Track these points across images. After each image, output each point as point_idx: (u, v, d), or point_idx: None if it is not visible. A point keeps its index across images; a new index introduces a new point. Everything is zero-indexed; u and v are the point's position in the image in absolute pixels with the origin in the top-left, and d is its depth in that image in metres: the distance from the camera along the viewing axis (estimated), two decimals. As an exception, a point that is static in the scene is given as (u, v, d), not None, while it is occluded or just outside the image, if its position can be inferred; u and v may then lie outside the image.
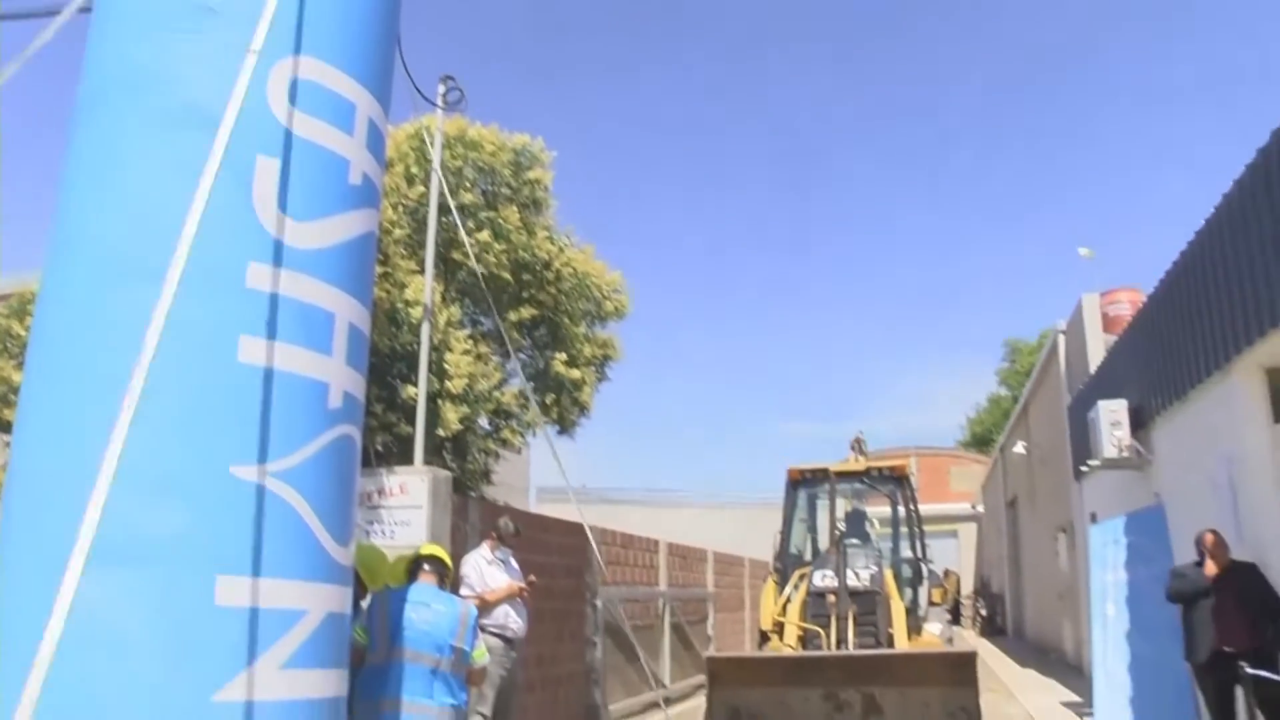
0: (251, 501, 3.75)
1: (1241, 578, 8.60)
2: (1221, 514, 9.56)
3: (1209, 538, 8.80)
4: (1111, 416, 12.64)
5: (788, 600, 12.05)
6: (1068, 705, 13.37)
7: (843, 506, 13.76)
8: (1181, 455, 11.32)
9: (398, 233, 9.27)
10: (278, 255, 3.94)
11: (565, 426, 12.05)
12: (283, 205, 3.97)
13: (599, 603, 11.83)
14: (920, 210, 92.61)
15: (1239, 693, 8.08)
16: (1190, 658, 8.93)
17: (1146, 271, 42.36)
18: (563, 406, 11.78)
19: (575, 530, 10.74)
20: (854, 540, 12.74)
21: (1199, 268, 9.90)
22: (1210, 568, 8.72)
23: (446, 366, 9.49)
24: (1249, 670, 7.62)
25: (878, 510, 15.19)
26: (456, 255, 10.47)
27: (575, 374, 11.65)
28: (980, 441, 49.36)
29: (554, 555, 10.85)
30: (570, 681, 11.23)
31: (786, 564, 13.11)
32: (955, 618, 29.01)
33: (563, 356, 11.57)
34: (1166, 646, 10.28)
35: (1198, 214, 9.34)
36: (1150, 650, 11.19)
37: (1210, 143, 63.87)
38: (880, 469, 14.01)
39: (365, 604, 5.49)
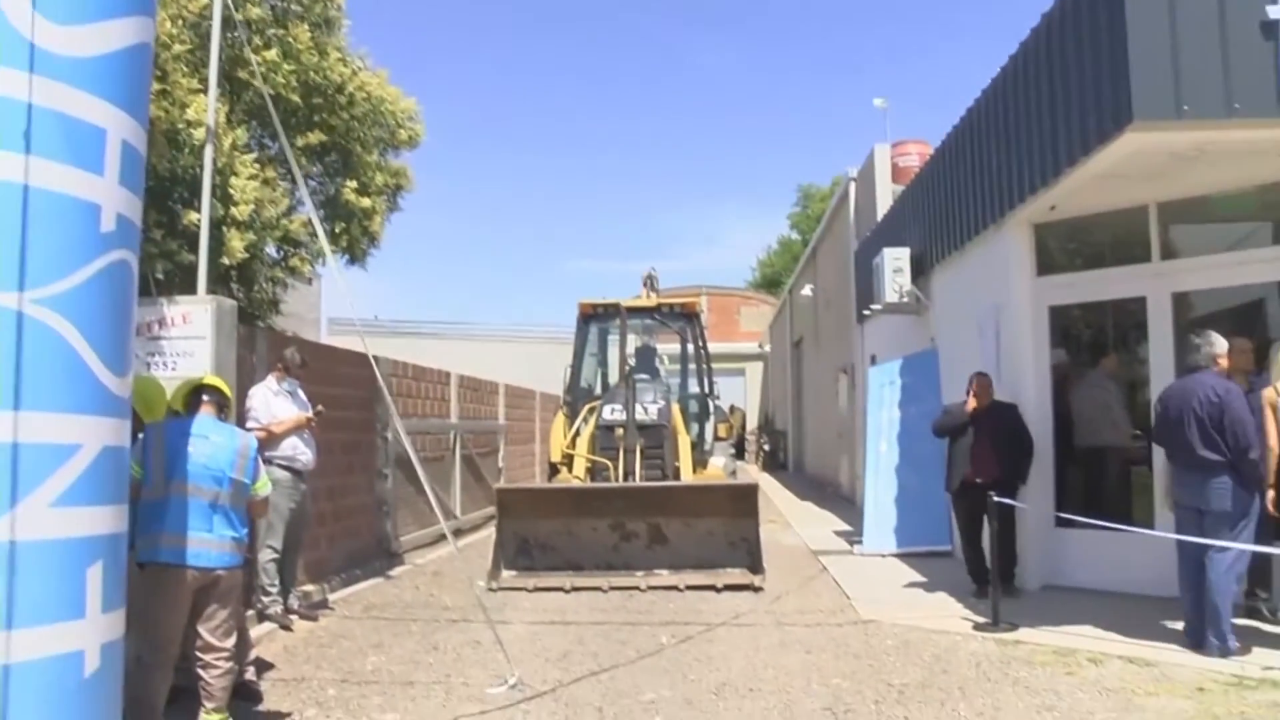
0: (10, 330, 3.55)
1: (1000, 416, 9.29)
2: (986, 358, 10.23)
3: (979, 380, 9.41)
4: (895, 263, 13.14)
5: (577, 433, 12.30)
6: (840, 534, 14.20)
7: (633, 342, 13.96)
8: (955, 302, 11.96)
9: (177, 48, 8.65)
10: (33, 60, 3.63)
11: (355, 256, 11.75)
12: (36, 4, 3.64)
13: (389, 434, 11.80)
14: (723, 52, 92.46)
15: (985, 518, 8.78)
16: (947, 486, 9.61)
17: (937, 126, 43.78)
18: (353, 236, 11.45)
19: (365, 362, 10.60)
20: (643, 375, 13.01)
21: (981, 126, 10.31)
22: (970, 404, 9.35)
23: (231, 192, 9.05)
24: (995, 498, 8.28)
25: (668, 347, 15.52)
26: (242, 74, 9.91)
27: (366, 203, 11.32)
28: (770, 283, 50.70)
29: (344, 387, 10.72)
30: (361, 513, 11.27)
31: (576, 398, 13.33)
32: (739, 453, 30.11)
33: (353, 184, 11.20)
34: (931, 478, 11.04)
35: (990, 74, 9.66)
36: (916, 482, 12.01)
37: (1010, 7, 65.50)
38: (671, 306, 14.25)
39: (141, 437, 5.32)
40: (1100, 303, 9.88)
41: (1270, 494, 7.16)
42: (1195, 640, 7.02)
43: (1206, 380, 7.08)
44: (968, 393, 9.49)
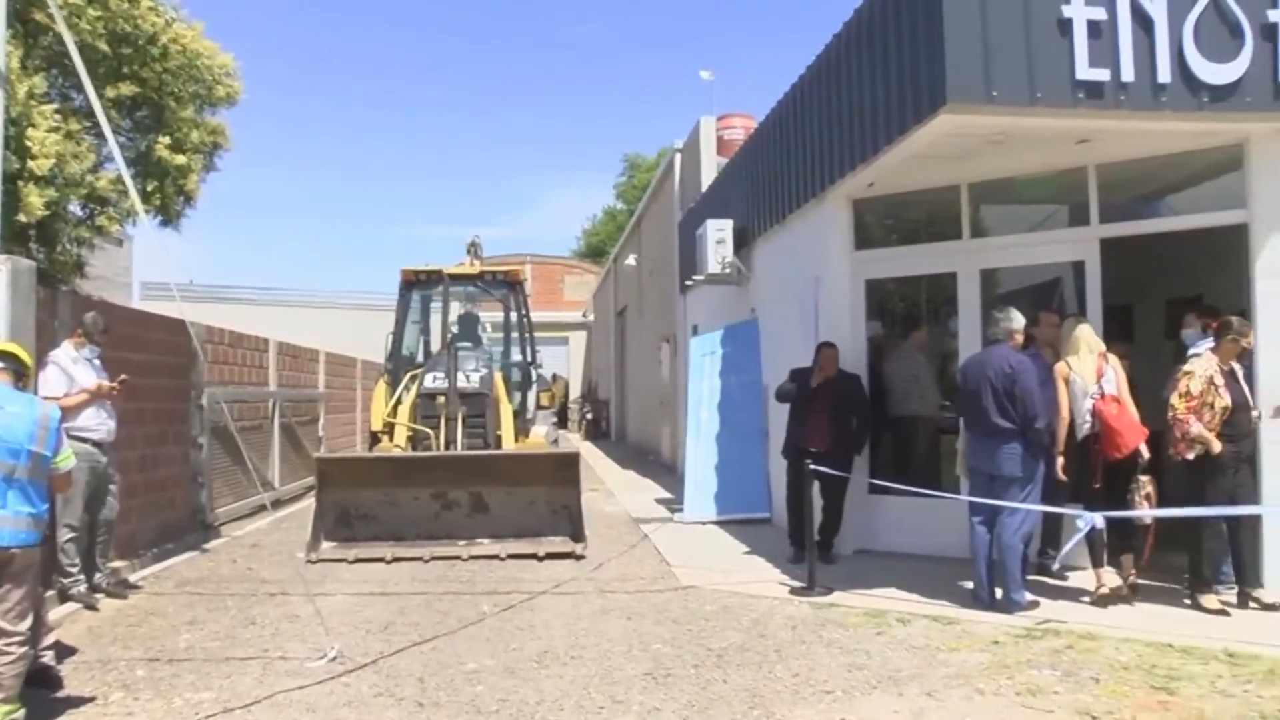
0: None
1: (841, 388, 9.55)
2: (805, 329, 10.51)
3: (826, 351, 9.63)
4: (717, 235, 13.33)
5: (398, 402, 12.13)
6: (661, 502, 14.42)
7: (456, 310, 13.84)
8: (776, 274, 12.23)
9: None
10: None
11: (169, 217, 11.27)
12: None
13: (205, 403, 11.40)
14: (558, 19, 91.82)
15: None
16: (784, 452, 9.82)
17: (763, 100, 44.58)
18: (166, 195, 10.97)
19: (180, 327, 10.21)
20: (466, 343, 12.91)
21: (805, 103, 10.56)
22: (817, 378, 9.58)
23: (29, 144, 8.55)
24: (812, 467, 8.55)
25: (491, 315, 15.42)
26: (40, 16, 9.34)
27: (180, 160, 10.85)
28: (595, 252, 50.74)
29: (156, 353, 10.29)
30: (174, 485, 10.85)
31: (398, 365, 13.13)
32: (562, 421, 30.28)
33: (167, 141, 10.72)
34: (750, 447, 11.32)
35: (815, 52, 9.90)
36: (736, 450, 12.27)
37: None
38: (495, 274, 14.16)
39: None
40: (914, 277, 10.32)
41: (1060, 460, 7.65)
42: (990, 597, 7.44)
43: (1002, 353, 7.53)
44: (815, 363, 9.66)
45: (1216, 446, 7.23)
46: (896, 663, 6.16)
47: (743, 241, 13.30)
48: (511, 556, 9.73)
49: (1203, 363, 7.39)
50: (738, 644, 6.67)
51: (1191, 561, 7.54)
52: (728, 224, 13.40)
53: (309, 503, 11.26)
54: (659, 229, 22.21)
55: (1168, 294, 10.39)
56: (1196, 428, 7.23)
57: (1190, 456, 7.32)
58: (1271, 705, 5.30)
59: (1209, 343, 7.78)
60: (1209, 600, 7.32)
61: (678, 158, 20.10)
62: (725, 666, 6.17)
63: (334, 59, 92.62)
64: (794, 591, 8.14)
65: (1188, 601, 7.47)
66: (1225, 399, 7.26)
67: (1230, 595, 7.49)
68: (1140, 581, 7.69)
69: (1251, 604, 7.37)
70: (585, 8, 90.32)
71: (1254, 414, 7.51)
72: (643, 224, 25.80)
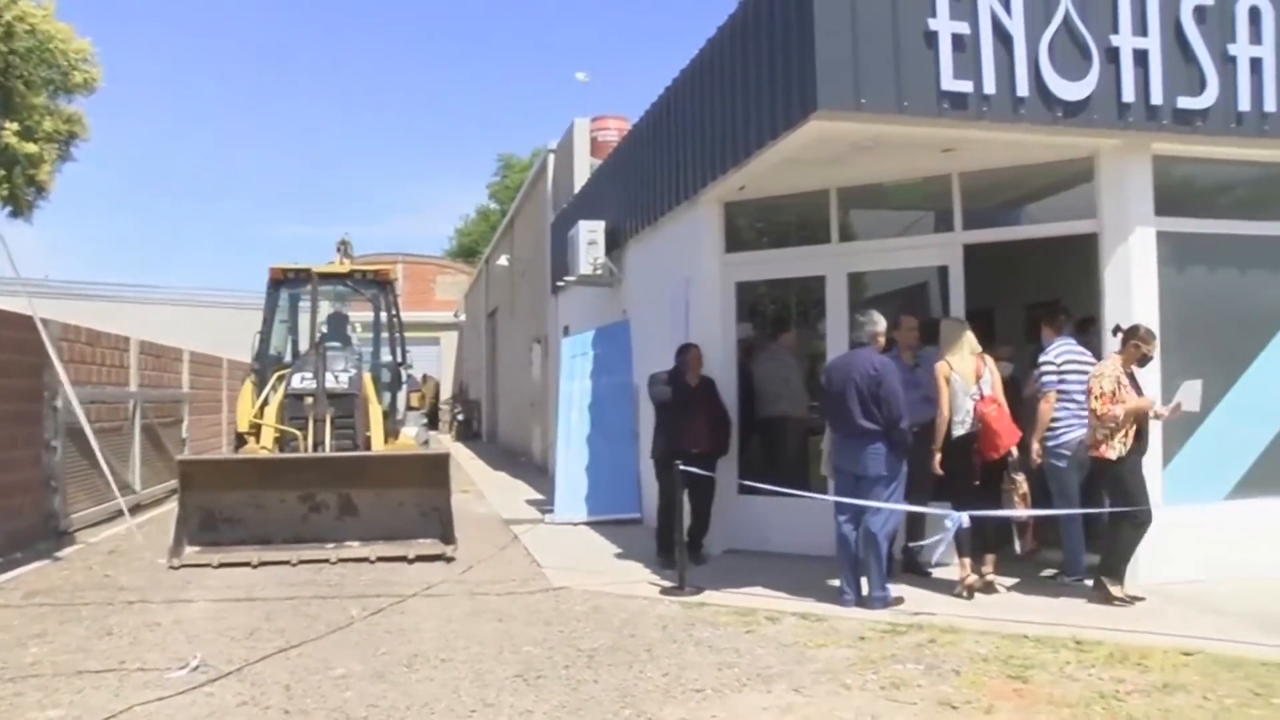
0: None
1: (710, 390, 9.66)
2: (676, 331, 10.59)
3: (695, 352, 9.70)
4: (590, 236, 13.37)
5: (265, 402, 11.87)
6: (532, 503, 14.37)
7: (325, 309, 13.62)
8: (648, 276, 12.31)
9: None
10: None
11: (19, 208, 10.82)
12: None
13: (59, 404, 10.95)
14: (434, 16, 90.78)
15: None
16: (653, 454, 9.84)
17: (637, 102, 44.92)
18: (15, 185, 10.50)
19: (31, 325, 9.79)
20: (335, 343, 12.69)
21: (678, 106, 10.64)
22: (693, 378, 9.65)
23: None
24: (683, 468, 8.62)
25: (361, 315, 15.20)
26: None
27: (32, 149, 10.40)
28: (467, 252, 50.40)
29: (6, 353, 9.85)
30: (24, 490, 10.37)
31: (265, 365, 12.85)
32: (433, 422, 29.98)
33: (15, 127, 10.25)
34: (621, 448, 11.36)
35: (689, 56, 10.00)
36: (607, 451, 12.30)
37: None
38: (365, 273, 14.00)
39: None
40: (784, 280, 10.49)
41: (937, 456, 7.88)
42: (856, 594, 7.61)
43: (866, 356, 7.70)
44: (683, 365, 9.70)
45: (1147, 403, 7.56)
46: (766, 660, 6.24)
47: (615, 243, 13.34)
48: (381, 559, 9.57)
49: (1110, 365, 7.65)
50: (609, 644, 6.68)
51: (1104, 555, 7.73)
52: (600, 225, 13.43)
53: (172, 506, 10.90)
54: (532, 229, 22.16)
55: (1027, 299, 10.76)
56: (1120, 408, 7.45)
57: (1113, 456, 7.53)
58: (1110, 686, 5.59)
59: (1065, 343, 8.19)
60: (1117, 590, 7.56)
61: (551, 158, 20.11)
62: (596, 667, 6.17)
63: (206, 53, 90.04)
64: (664, 591, 8.19)
65: (1096, 596, 7.65)
66: (1133, 399, 7.54)
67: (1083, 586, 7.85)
68: (993, 578, 7.97)
69: (1115, 601, 7.58)
70: (459, 6, 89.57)
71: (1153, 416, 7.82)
72: (515, 224, 25.70)
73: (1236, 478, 8.51)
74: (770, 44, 8.00)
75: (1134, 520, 7.52)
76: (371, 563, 9.51)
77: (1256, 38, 8.21)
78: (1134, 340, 7.65)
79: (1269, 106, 8.22)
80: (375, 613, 7.64)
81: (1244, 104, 8.17)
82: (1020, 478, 7.80)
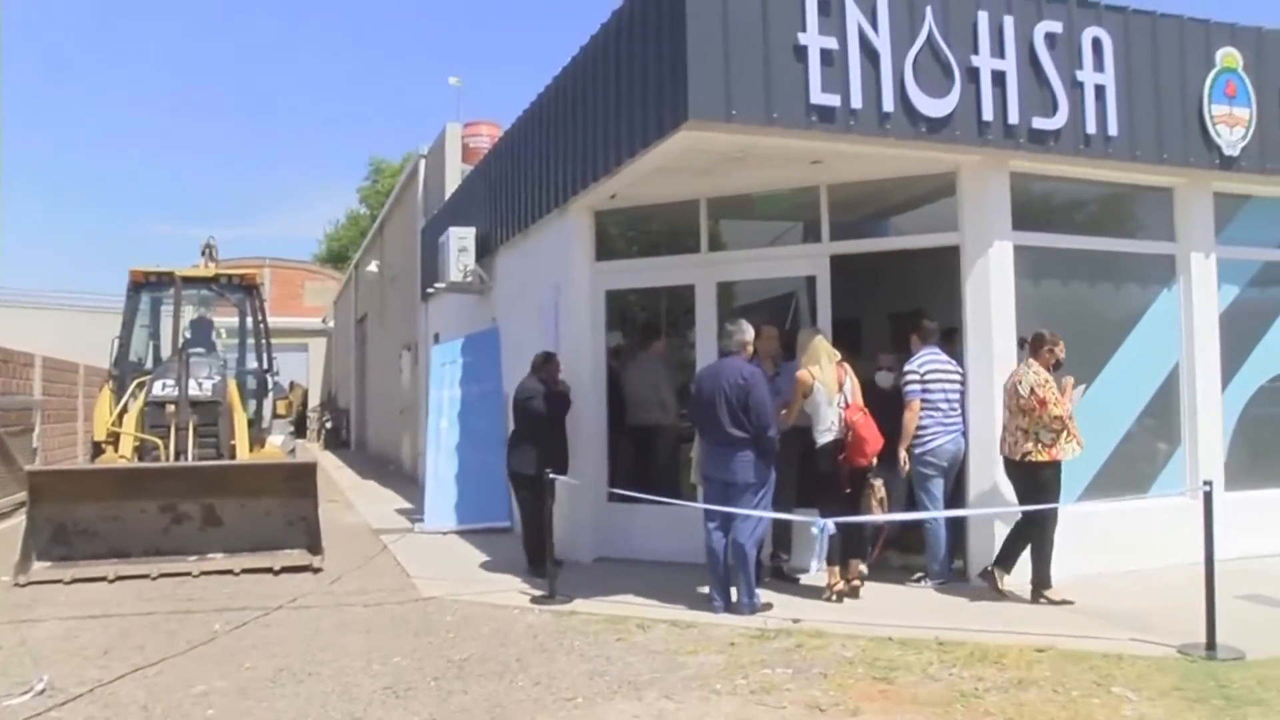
0: None
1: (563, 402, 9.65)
2: (546, 339, 10.56)
3: (557, 360, 9.73)
4: (460, 243, 13.27)
5: (124, 410, 11.48)
6: (401, 512, 14.18)
7: (189, 314, 13.27)
8: (518, 283, 12.26)
9: None
10: None
11: None
12: None
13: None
14: (304, 18, 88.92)
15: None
16: (528, 468, 9.68)
17: (510, 108, 44.66)
18: None
19: None
20: (198, 349, 12.37)
21: (550, 113, 10.62)
22: (561, 386, 9.64)
23: None
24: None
25: (226, 320, 14.84)
26: None
27: None
28: (337, 257, 49.51)
29: None
30: None
31: (125, 371, 12.48)
32: (300, 430, 29.37)
33: None
34: (491, 456, 11.26)
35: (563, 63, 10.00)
36: (476, 459, 12.20)
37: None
38: (230, 277, 13.69)
39: None
40: (654, 289, 10.55)
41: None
42: (725, 601, 7.68)
43: (735, 365, 7.78)
44: (543, 374, 9.68)
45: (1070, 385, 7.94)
46: (637, 667, 6.26)
47: (485, 250, 13.27)
48: (245, 571, 9.33)
49: (1038, 372, 7.89)
50: (479, 654, 6.62)
51: (1035, 562, 7.97)
52: (470, 232, 13.35)
53: (19, 521, 10.43)
54: (402, 235, 21.92)
55: (892, 309, 11.03)
56: (1066, 404, 7.80)
57: (1064, 457, 7.86)
58: (970, 684, 5.77)
59: (930, 352, 8.52)
60: (1052, 594, 7.84)
61: (422, 163, 19.94)
62: (466, 677, 6.11)
63: (72, 44, 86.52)
64: (535, 600, 8.15)
65: (1042, 601, 7.87)
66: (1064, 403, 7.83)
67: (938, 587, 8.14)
68: (859, 582, 8.12)
69: (1042, 599, 7.90)
70: (329, 6, 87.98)
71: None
72: (385, 230, 25.40)
73: (1087, 481, 8.87)
74: (643, 54, 8.06)
75: (1047, 525, 7.88)
76: (236, 575, 9.26)
77: (1100, 66, 8.68)
78: (1046, 345, 7.96)
79: (1112, 130, 8.70)
80: (239, 626, 7.44)
81: (1090, 127, 8.60)
82: (879, 483, 7.98)
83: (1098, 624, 7.12)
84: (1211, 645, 6.27)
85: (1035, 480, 7.89)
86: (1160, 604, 7.63)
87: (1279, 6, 67.06)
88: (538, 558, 9.09)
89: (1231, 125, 9.29)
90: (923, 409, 8.48)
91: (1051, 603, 7.78)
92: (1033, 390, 7.81)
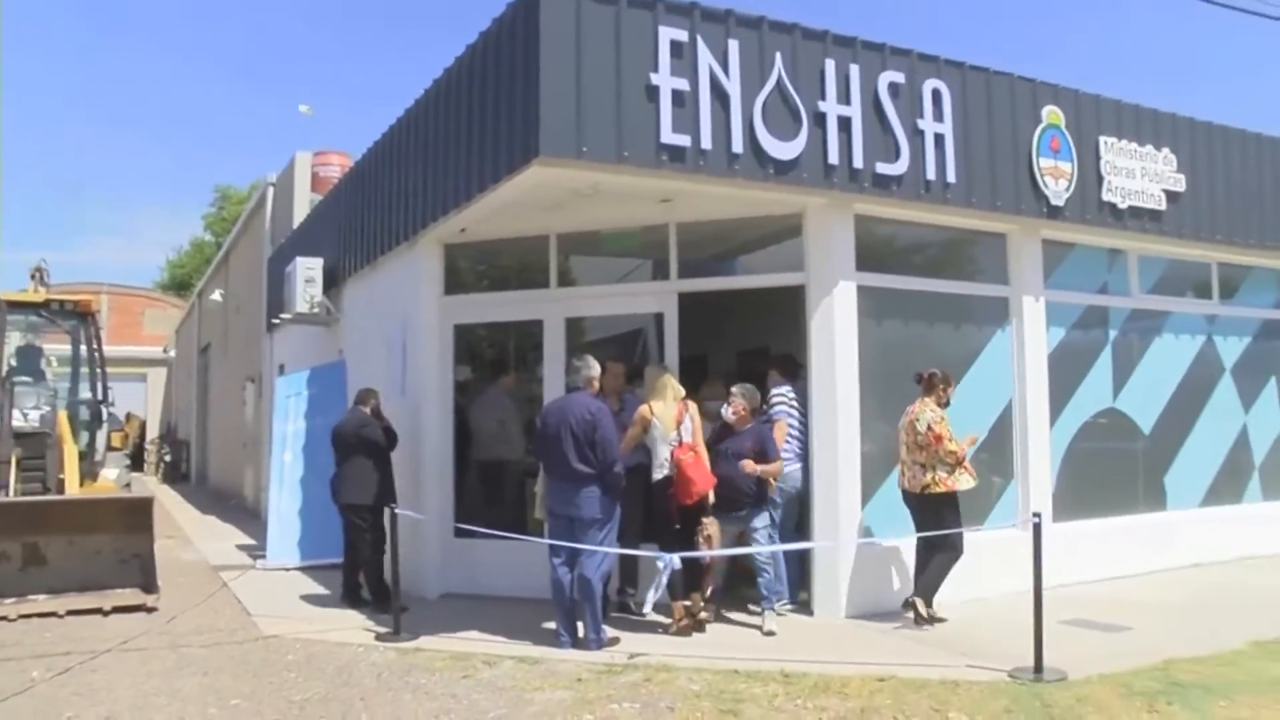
0: None
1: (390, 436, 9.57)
2: (393, 373, 10.44)
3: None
4: (307, 273, 13.02)
5: (-57, 443, 10.88)
6: (243, 548, 13.73)
7: (16, 341, 12.70)
8: (366, 316, 12.09)
9: None
10: None
11: None
12: None
13: None
14: (153, 40, 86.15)
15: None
16: (376, 501, 9.47)
17: (362, 138, 44.07)
18: None
19: None
20: (25, 378, 11.85)
21: (402, 145, 10.55)
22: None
23: None
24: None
25: (57, 348, 14.26)
26: None
27: None
28: (180, 285, 48.14)
29: None
30: None
31: (-55, 401, 11.82)
32: (137, 464, 28.29)
33: None
34: (334, 491, 11.01)
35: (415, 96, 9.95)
36: (321, 494, 11.87)
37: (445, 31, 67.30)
38: (63, 303, 13.20)
39: None
40: (503, 323, 10.52)
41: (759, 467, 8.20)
42: (572, 637, 7.67)
43: (582, 400, 7.79)
44: (373, 407, 9.63)
45: (966, 446, 8.40)
46: (483, 705, 6.19)
47: (333, 281, 13.06)
48: (71, 613, 8.86)
49: (933, 409, 8.35)
50: (321, 694, 6.46)
51: (925, 584, 8.32)
52: (318, 262, 13.11)
53: None
54: (248, 264, 21.41)
55: (739, 346, 11.22)
56: (960, 441, 8.28)
57: (962, 487, 8.29)
58: (814, 715, 5.89)
59: (786, 389, 8.72)
60: (930, 611, 8.19)
61: (270, 191, 19.54)
62: (308, 719, 5.95)
63: None
64: (380, 638, 8.00)
65: (909, 616, 8.26)
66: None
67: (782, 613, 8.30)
68: (706, 615, 8.18)
69: (925, 621, 8.23)
70: (167, 24, 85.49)
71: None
72: (231, 258, 24.77)
73: (928, 514, 9.15)
74: (495, 89, 8.07)
75: (957, 547, 8.25)
76: (60, 617, 8.80)
77: (939, 116, 9.07)
78: (940, 385, 8.43)
79: (950, 177, 9.09)
80: (61, 673, 7.06)
81: (930, 173, 8.96)
82: (707, 521, 8.06)
83: (937, 652, 7.36)
84: (1039, 668, 6.61)
85: (936, 511, 8.27)
86: (995, 630, 7.95)
87: (1099, 68, 71.18)
88: (380, 593, 9.06)
89: (1057, 177, 9.82)
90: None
91: (934, 620, 8.18)
92: (930, 427, 8.25)
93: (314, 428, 12.45)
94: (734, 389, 8.40)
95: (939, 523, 8.19)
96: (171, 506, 20.80)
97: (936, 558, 8.31)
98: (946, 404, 8.48)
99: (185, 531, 16.19)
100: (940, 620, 8.21)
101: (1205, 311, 11.92)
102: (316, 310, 13.06)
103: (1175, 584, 9.96)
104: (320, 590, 10.31)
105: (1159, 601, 9.19)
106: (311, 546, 11.86)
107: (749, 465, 8.13)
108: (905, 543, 8.67)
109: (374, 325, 11.55)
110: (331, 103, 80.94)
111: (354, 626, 8.53)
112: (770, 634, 7.95)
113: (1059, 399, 10.28)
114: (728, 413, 8.32)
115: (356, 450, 9.43)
